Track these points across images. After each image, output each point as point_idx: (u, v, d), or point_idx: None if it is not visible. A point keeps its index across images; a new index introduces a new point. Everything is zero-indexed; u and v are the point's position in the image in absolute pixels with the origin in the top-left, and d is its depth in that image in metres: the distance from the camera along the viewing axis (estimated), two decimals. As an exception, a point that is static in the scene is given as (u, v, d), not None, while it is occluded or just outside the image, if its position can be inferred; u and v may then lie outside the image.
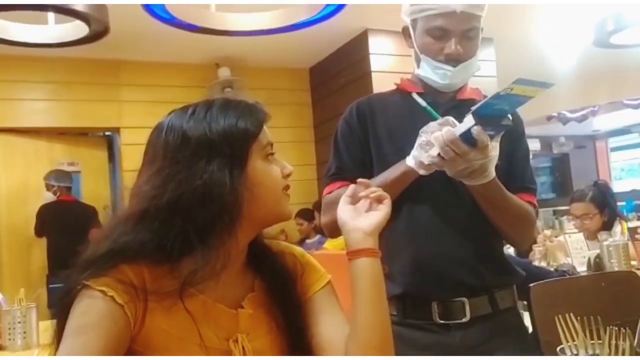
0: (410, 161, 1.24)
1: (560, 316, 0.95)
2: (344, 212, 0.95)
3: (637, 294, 1.56)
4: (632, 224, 3.12)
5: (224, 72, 4.75)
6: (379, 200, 0.95)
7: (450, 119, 1.18)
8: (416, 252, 1.32)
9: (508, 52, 4.71)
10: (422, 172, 1.23)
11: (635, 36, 3.66)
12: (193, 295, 0.85)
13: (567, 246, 2.64)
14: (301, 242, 4.61)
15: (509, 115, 1.15)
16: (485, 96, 1.23)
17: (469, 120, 1.11)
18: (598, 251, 2.58)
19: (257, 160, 0.89)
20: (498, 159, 1.33)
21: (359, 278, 0.89)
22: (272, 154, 0.93)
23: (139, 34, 3.94)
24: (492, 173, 1.20)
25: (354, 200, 0.96)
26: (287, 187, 0.95)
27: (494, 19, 4.55)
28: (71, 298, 0.80)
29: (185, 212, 0.82)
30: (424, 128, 1.21)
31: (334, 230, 1.43)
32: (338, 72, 4.79)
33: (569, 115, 7.47)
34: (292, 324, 0.93)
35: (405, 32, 1.41)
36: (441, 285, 1.30)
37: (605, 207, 3.05)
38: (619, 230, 2.85)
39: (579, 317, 0.95)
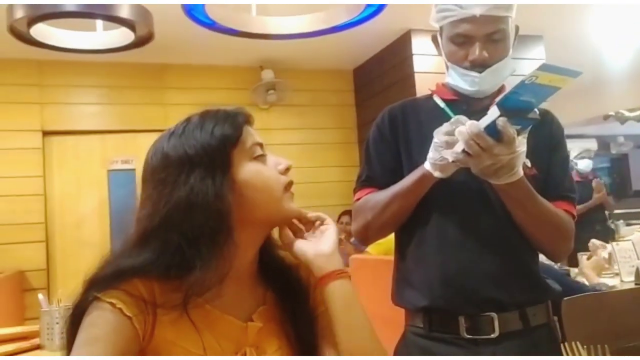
0: (427, 164, 1.21)
1: (565, 343, 0.90)
2: (300, 244, 0.93)
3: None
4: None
5: (268, 74, 4.78)
6: (321, 222, 0.96)
7: (462, 117, 1.14)
8: (443, 264, 1.28)
9: (559, 50, 4.53)
10: (437, 174, 1.20)
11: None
12: (201, 307, 0.86)
13: (615, 255, 2.51)
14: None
15: (536, 110, 1.11)
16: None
17: (493, 112, 1.07)
18: (648, 261, 2.45)
19: (243, 163, 0.89)
20: (536, 169, 1.28)
21: (332, 303, 0.89)
22: (263, 154, 0.92)
23: (183, 38, 4.02)
24: (520, 171, 1.15)
25: (300, 235, 0.96)
26: (289, 185, 0.93)
27: (543, 15, 4.38)
28: (82, 310, 0.82)
29: (178, 227, 0.83)
30: (437, 130, 1.18)
31: (364, 237, 1.42)
32: (381, 73, 4.74)
33: (627, 114, 7.14)
34: (304, 339, 0.91)
35: (434, 41, 1.38)
36: (469, 300, 1.26)
37: None
38: None
39: (585, 346, 0.90)
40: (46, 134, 4.39)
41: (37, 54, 3.69)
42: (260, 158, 0.92)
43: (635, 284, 2.42)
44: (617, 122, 7.37)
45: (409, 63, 4.29)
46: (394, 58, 4.54)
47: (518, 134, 1.10)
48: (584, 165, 5.72)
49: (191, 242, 0.83)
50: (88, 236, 4.39)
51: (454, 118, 1.16)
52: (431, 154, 1.19)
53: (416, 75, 4.22)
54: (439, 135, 1.16)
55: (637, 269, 2.43)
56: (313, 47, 4.32)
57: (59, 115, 4.43)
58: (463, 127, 1.10)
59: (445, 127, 1.16)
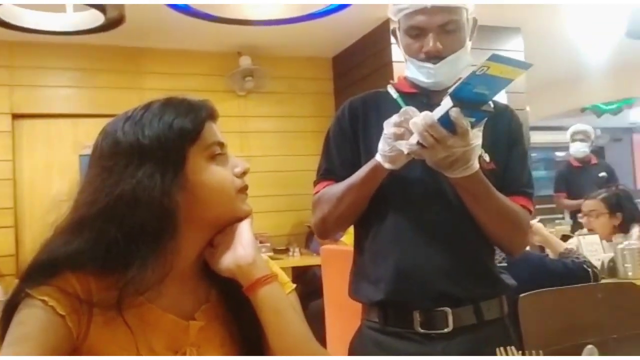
0: (377, 156, 1.20)
1: (502, 348, 0.90)
2: (222, 260, 0.89)
3: (636, 307, 1.48)
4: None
5: (245, 61, 4.72)
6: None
7: (411, 108, 1.14)
8: (399, 259, 1.27)
9: (537, 42, 4.55)
10: (387, 166, 1.18)
11: (670, 27, 3.49)
12: (140, 305, 0.83)
13: (581, 248, 2.54)
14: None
15: (491, 103, 1.11)
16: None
17: (446, 103, 1.06)
18: (612, 255, 2.48)
19: (199, 161, 0.86)
20: (494, 163, 1.28)
21: (260, 311, 0.86)
22: (222, 154, 0.89)
23: (159, 22, 3.95)
24: (476, 165, 1.15)
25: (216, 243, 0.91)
26: (243, 188, 0.91)
27: (521, 8, 4.36)
28: (15, 306, 0.79)
29: (118, 220, 0.80)
30: (386, 121, 1.16)
31: (322, 230, 1.40)
32: (360, 62, 4.72)
33: (603, 107, 7.21)
34: (248, 338, 0.90)
35: (394, 35, 1.37)
36: (423, 294, 1.26)
37: (618, 210, 3.00)
38: (636, 233, 2.72)
39: (519, 352, 0.90)
40: (16, 117, 4.29)
41: (7, 35, 3.59)
42: (219, 158, 0.88)
43: (600, 278, 2.45)
44: (594, 115, 7.45)
45: (388, 52, 4.26)
46: (373, 46, 4.51)
47: (473, 127, 1.09)
48: (574, 149, 5.06)
49: (130, 238, 0.80)
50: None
51: (403, 109, 1.15)
52: (381, 146, 1.18)
53: (394, 65, 4.20)
54: (387, 127, 1.15)
55: (603, 262, 2.46)
56: (292, 34, 4.27)
57: (29, 98, 4.33)
58: (417, 118, 1.09)
59: (394, 118, 1.14)
